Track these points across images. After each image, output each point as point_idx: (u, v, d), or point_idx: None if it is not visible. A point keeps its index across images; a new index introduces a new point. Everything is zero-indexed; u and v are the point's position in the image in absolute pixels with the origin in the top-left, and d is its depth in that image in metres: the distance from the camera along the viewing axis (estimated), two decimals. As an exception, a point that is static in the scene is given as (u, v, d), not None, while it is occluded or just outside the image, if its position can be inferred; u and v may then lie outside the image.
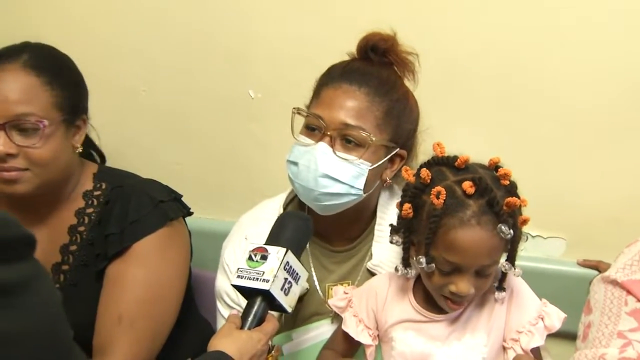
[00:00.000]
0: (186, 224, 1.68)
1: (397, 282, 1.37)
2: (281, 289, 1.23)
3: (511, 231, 1.18)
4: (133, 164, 1.85)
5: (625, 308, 1.36)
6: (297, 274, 1.27)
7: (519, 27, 1.79)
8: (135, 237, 1.52)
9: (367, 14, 1.79)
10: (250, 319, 1.22)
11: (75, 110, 1.54)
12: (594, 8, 1.73)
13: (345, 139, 1.40)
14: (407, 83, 1.52)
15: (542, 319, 1.30)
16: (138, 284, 1.51)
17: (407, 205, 1.24)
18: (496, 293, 1.29)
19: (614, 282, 1.40)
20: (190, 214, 1.67)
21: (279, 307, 1.25)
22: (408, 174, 1.29)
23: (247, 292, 1.25)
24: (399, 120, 1.45)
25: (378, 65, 1.47)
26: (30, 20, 1.99)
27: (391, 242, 1.32)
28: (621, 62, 1.75)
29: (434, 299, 1.31)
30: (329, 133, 1.40)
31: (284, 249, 1.25)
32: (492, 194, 1.19)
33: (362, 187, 1.42)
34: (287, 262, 1.24)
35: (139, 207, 1.54)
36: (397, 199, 1.50)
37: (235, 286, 1.25)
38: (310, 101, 1.49)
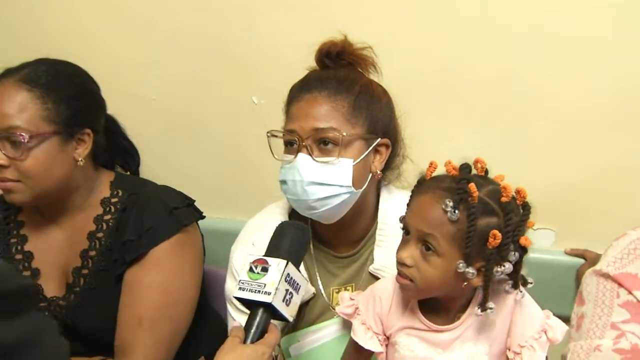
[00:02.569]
0: (199, 227, 1.67)
1: None
2: (283, 300, 1.20)
3: (457, 213, 1.14)
4: (146, 168, 1.84)
5: (618, 300, 1.35)
6: (297, 284, 1.23)
7: (512, 34, 1.78)
8: (151, 244, 1.50)
9: (366, 22, 1.78)
10: (252, 330, 1.19)
11: (73, 123, 1.49)
12: (584, 16, 1.73)
13: (322, 143, 1.38)
14: (373, 77, 1.50)
15: (545, 332, 1.26)
16: (156, 288, 1.50)
17: None
18: (475, 309, 1.22)
19: (606, 276, 1.38)
20: (203, 217, 1.66)
21: (280, 317, 1.22)
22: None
23: (249, 304, 1.22)
24: (368, 110, 1.42)
25: (335, 68, 1.46)
26: (46, 34, 1.97)
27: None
28: (607, 69, 1.75)
29: (439, 308, 1.27)
30: (304, 143, 1.38)
31: (285, 261, 1.21)
32: (462, 186, 1.16)
33: (350, 184, 1.39)
34: (288, 274, 1.21)
35: (155, 214, 1.53)
36: (396, 201, 1.50)
37: (237, 298, 1.22)
38: (284, 122, 1.48)
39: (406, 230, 1.23)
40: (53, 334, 0.77)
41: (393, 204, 1.51)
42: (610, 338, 1.33)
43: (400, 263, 1.22)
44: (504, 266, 1.17)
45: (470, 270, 1.16)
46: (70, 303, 1.56)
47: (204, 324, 1.68)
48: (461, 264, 1.16)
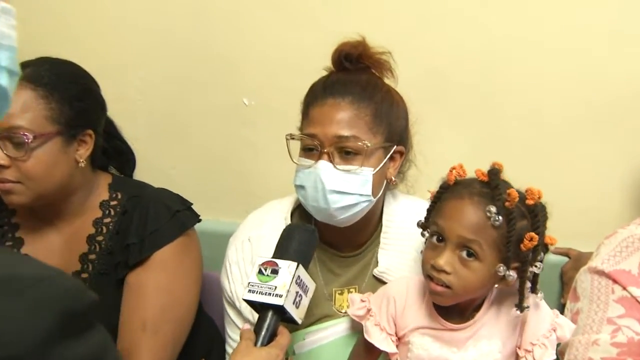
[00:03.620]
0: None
1: (414, 288, 1.34)
2: (293, 303, 1.19)
3: (500, 219, 1.16)
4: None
5: (613, 296, 1.41)
6: (306, 286, 1.23)
7: (497, 39, 1.83)
8: (155, 247, 1.48)
9: (355, 24, 1.73)
10: (263, 333, 1.18)
11: (76, 124, 1.46)
12: (563, 23, 1.80)
13: (344, 151, 1.35)
14: (388, 81, 1.48)
15: (554, 330, 1.29)
16: (160, 291, 1.47)
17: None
18: (514, 310, 1.25)
19: (601, 273, 1.44)
20: (200, 220, 1.62)
21: (290, 320, 1.21)
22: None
23: (259, 306, 1.21)
24: (389, 119, 1.41)
25: (355, 72, 1.43)
26: (32, 34, 1.91)
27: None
28: (586, 74, 1.82)
29: (453, 308, 1.28)
30: (325, 150, 1.35)
31: (295, 263, 1.20)
32: (500, 191, 1.19)
33: (370, 193, 1.38)
34: (299, 276, 1.20)
35: (158, 217, 1.51)
36: (401, 206, 1.51)
37: (247, 301, 1.21)
38: (301, 123, 1.44)
39: (438, 237, 1.24)
40: (114, 347, 0.77)
41: (398, 208, 1.52)
42: (607, 332, 1.38)
43: (437, 270, 1.21)
44: (536, 266, 1.22)
45: (511, 273, 1.19)
46: None
47: (199, 327, 1.66)
48: (502, 267, 1.19)
